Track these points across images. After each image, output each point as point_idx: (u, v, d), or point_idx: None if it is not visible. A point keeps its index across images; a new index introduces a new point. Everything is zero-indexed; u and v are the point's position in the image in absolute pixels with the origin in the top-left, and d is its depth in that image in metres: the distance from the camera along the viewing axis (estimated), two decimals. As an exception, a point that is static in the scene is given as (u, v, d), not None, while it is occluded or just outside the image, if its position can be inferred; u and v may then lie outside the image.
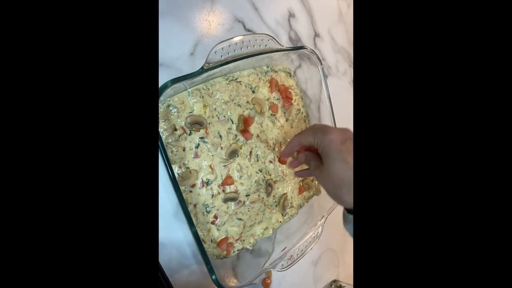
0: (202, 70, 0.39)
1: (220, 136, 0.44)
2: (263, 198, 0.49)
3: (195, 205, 0.43)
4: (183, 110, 0.41)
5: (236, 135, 0.46)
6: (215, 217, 0.44)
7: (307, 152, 0.44)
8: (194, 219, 0.42)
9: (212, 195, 0.44)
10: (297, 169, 0.53)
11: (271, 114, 0.51)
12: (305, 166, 0.50)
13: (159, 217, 0.41)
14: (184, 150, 0.42)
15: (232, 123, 0.46)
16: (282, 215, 0.52)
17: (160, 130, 0.41)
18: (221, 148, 0.44)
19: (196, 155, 0.43)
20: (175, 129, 0.41)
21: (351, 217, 0.38)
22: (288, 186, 0.53)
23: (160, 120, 0.41)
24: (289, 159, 0.52)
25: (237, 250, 0.48)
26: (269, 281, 0.53)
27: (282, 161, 0.51)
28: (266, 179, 0.49)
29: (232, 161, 0.45)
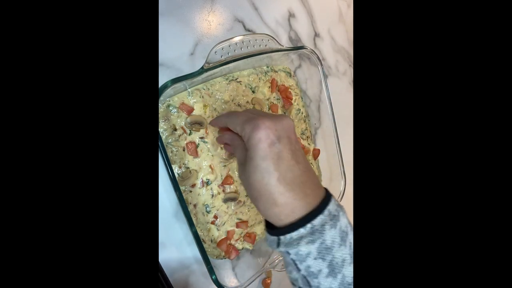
0: (202, 70, 0.39)
1: (220, 136, 0.44)
2: (263, 198, 0.49)
3: (195, 205, 0.43)
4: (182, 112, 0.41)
5: (236, 135, 0.46)
6: (215, 217, 0.44)
7: (234, 136, 0.35)
8: (194, 219, 0.42)
9: (212, 195, 0.44)
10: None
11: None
12: None
13: (159, 217, 0.41)
14: (184, 150, 0.42)
15: (232, 123, 0.46)
16: (282, 215, 0.52)
17: (160, 130, 0.41)
18: (221, 148, 0.44)
19: (196, 155, 0.42)
20: (175, 129, 0.41)
21: (267, 235, 0.32)
22: (288, 186, 0.53)
23: (160, 120, 0.41)
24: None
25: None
26: (269, 281, 0.53)
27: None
28: (266, 179, 0.49)
29: (232, 161, 0.45)
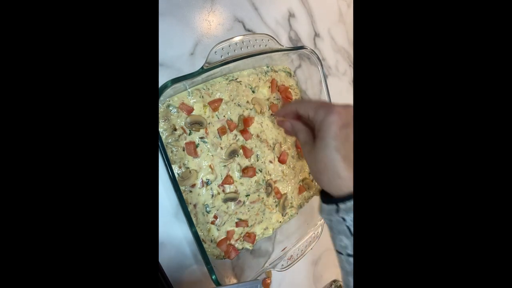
0: (202, 70, 0.39)
1: (220, 136, 0.44)
2: (263, 198, 0.49)
3: (195, 205, 0.43)
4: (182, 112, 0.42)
5: (236, 135, 0.46)
6: (215, 217, 0.44)
7: (296, 122, 0.40)
8: (194, 219, 0.42)
9: (212, 195, 0.44)
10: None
11: (271, 114, 0.51)
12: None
13: (159, 217, 0.41)
14: (184, 150, 0.42)
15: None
16: (282, 215, 0.52)
17: (160, 130, 0.41)
18: (221, 148, 0.44)
19: (196, 155, 0.43)
20: (175, 129, 0.41)
21: (324, 206, 0.36)
22: (288, 186, 0.53)
23: (160, 120, 0.41)
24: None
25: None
26: (269, 281, 0.53)
27: (282, 160, 0.51)
28: (266, 179, 0.49)
29: (232, 161, 0.45)
